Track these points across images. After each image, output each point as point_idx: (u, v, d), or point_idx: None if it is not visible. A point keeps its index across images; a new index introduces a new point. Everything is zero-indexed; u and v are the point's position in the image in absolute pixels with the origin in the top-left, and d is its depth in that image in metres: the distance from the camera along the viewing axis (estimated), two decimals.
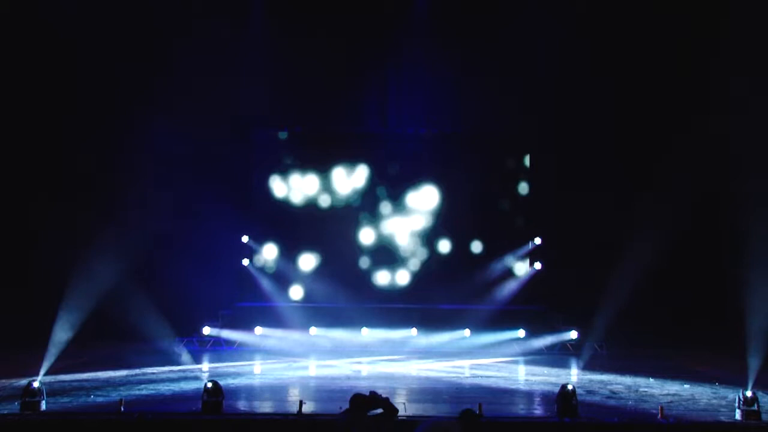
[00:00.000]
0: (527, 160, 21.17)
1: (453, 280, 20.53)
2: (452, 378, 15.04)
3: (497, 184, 21.06)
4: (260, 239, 20.97)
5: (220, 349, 18.78)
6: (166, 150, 18.83)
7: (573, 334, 18.96)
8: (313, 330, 19.37)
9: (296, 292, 21.05)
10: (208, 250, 19.67)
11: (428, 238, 21.14)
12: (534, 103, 19.76)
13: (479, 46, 19.79)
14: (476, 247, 20.96)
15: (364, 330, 19.32)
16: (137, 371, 14.71)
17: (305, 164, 21.20)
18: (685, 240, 18.50)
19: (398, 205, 21.16)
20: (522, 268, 20.99)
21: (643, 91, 19.52)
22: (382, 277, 21.13)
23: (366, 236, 21.15)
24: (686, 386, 13.87)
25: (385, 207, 21.16)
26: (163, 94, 18.95)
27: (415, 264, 21.18)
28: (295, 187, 21.20)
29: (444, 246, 21.17)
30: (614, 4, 19.24)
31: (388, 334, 19.24)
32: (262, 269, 20.94)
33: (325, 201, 21.18)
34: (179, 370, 15.13)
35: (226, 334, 19.12)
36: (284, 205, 21.22)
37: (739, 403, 10.75)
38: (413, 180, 21.09)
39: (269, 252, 21.04)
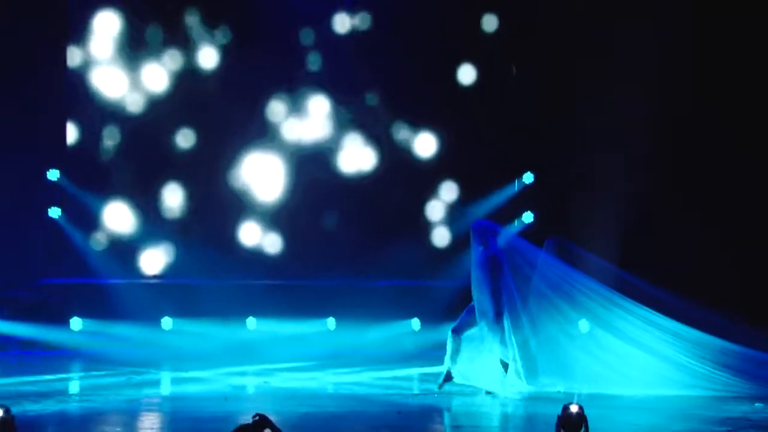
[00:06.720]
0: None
1: (396, 241, 15.06)
2: (392, 396, 11.51)
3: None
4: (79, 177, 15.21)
5: (9, 354, 14.52)
6: None
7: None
8: (168, 322, 14.98)
9: (147, 261, 15.54)
10: None
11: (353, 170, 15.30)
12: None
13: None
14: (440, 189, 15.33)
15: (251, 321, 15.05)
16: None
17: (139, 42, 14.96)
18: None
19: (298, 110, 15.27)
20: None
21: None
22: (270, 240, 15.29)
23: (249, 168, 15.13)
24: None
25: (279, 110, 15.06)
26: None
27: (328, 214, 15.21)
28: (127, 80, 15.00)
29: (379, 181, 15.19)
30: None
31: (288, 327, 14.99)
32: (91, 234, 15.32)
33: (166, 100, 14.96)
34: None
35: (21, 329, 14.68)
36: (110, 114, 15.14)
37: None
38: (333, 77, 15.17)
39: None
